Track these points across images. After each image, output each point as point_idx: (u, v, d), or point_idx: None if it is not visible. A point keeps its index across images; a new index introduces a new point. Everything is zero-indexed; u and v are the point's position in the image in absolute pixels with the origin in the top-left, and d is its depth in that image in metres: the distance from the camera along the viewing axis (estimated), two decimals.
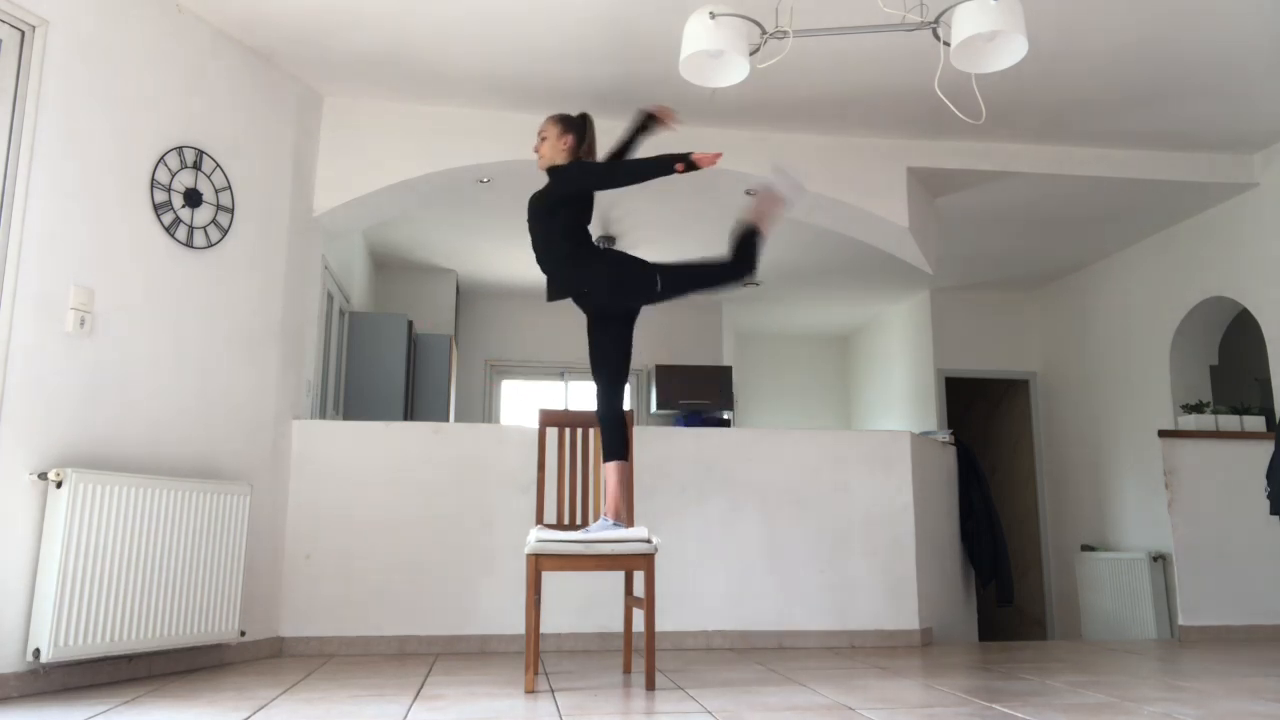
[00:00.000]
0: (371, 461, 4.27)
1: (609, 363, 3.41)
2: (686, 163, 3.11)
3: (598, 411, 3.40)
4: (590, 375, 3.76)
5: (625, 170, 3.34)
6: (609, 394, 3.40)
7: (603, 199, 5.99)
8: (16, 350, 3.06)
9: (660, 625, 4.24)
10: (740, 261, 3.40)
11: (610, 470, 3.32)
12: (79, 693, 3.01)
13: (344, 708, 2.74)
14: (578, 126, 3.45)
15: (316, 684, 3.21)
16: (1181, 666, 3.72)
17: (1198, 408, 5.71)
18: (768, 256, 7.19)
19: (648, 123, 3.56)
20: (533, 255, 3.53)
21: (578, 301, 3.43)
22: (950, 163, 5.10)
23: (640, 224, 6.48)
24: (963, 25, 2.81)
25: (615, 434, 3.35)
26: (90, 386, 3.28)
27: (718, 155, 3.13)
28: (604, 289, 3.37)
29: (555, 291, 3.43)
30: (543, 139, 3.46)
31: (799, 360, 9.85)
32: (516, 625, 4.20)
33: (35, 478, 3.05)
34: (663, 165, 3.16)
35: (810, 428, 5.67)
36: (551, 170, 3.44)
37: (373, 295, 7.26)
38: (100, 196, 3.37)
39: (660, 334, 8.52)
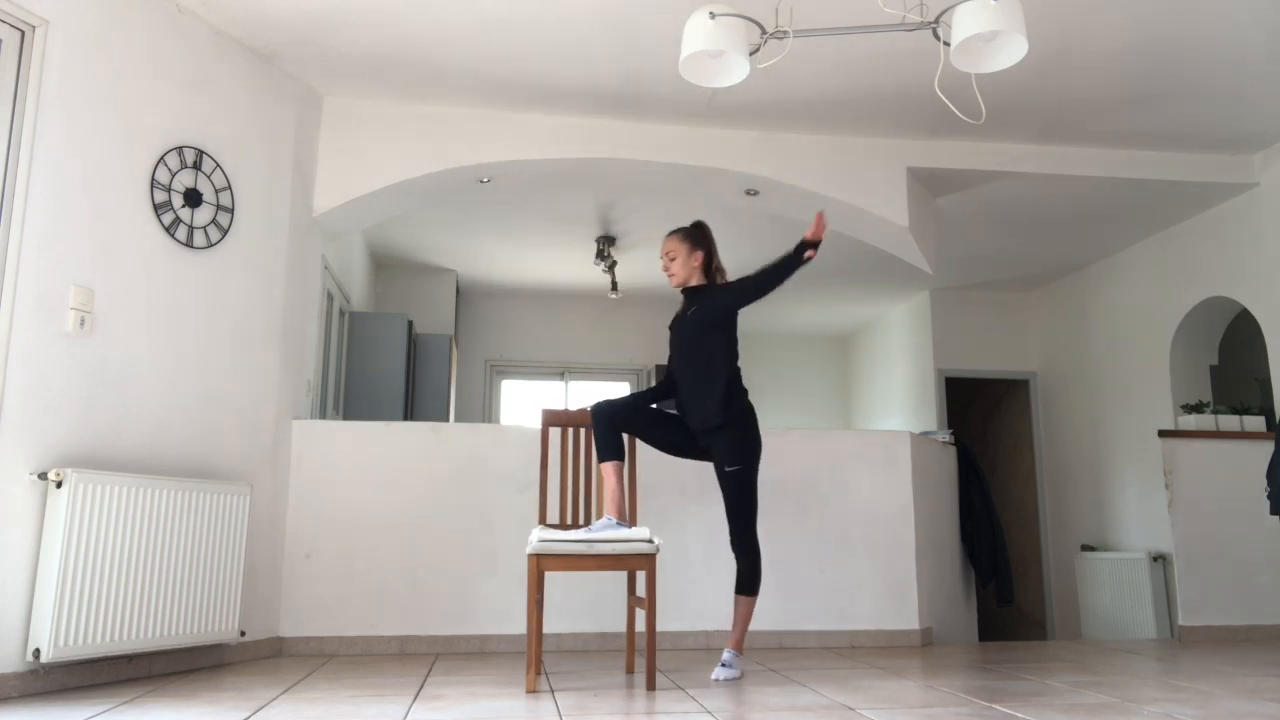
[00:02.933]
0: (371, 461, 4.26)
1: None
2: (811, 246, 3.35)
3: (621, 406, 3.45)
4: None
5: (766, 281, 3.42)
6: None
7: (601, 200, 6.01)
8: (16, 350, 3.06)
9: (661, 625, 4.24)
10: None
11: (605, 470, 3.34)
12: (79, 693, 3.01)
13: (344, 708, 2.73)
14: (704, 241, 3.56)
15: (316, 684, 3.21)
16: (1181, 666, 3.72)
17: (1198, 408, 5.71)
18: (768, 257, 7.16)
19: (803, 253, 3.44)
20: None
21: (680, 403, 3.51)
22: (950, 163, 5.10)
23: (639, 224, 6.49)
24: (963, 25, 2.80)
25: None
26: (90, 386, 3.28)
27: (820, 217, 3.35)
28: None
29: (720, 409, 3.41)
30: (671, 258, 3.54)
31: (799, 360, 9.84)
32: (516, 625, 4.20)
33: (35, 478, 3.05)
34: (792, 263, 3.37)
35: (810, 428, 5.67)
36: (695, 291, 3.52)
37: (373, 295, 7.25)
38: (100, 196, 3.37)
39: (660, 334, 8.51)
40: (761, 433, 3.47)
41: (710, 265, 3.57)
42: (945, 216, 5.90)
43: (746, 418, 3.43)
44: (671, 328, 3.60)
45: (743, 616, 3.38)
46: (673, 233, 3.60)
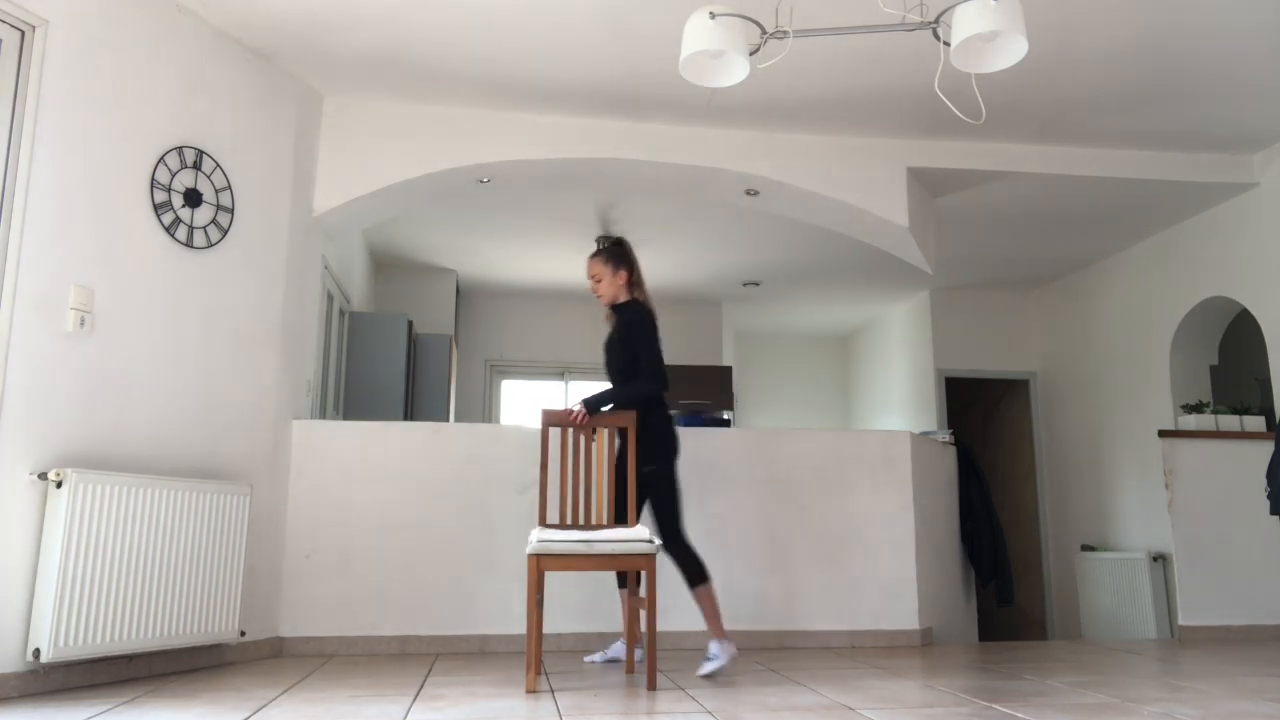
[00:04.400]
0: (371, 461, 4.26)
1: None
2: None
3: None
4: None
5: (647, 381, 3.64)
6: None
7: (601, 201, 6.01)
8: (16, 350, 3.06)
9: (661, 625, 4.24)
10: None
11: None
12: (79, 693, 3.01)
13: (344, 708, 2.74)
14: (626, 260, 3.76)
15: (316, 684, 3.21)
16: (1181, 666, 3.72)
17: (1198, 408, 5.71)
18: (768, 256, 7.20)
19: None
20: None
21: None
22: (950, 163, 5.10)
23: (639, 224, 6.48)
24: (963, 25, 2.80)
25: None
26: (90, 386, 3.28)
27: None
28: None
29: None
30: (597, 280, 3.74)
31: (799, 360, 9.84)
32: (516, 625, 4.20)
33: (35, 478, 3.05)
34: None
35: (810, 428, 5.67)
36: (623, 307, 3.72)
37: (373, 295, 7.25)
38: (100, 196, 3.37)
39: (660, 334, 8.52)
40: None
41: (634, 280, 3.77)
42: (945, 216, 5.90)
43: (661, 424, 3.62)
44: (606, 341, 3.83)
45: (708, 607, 3.47)
46: (595, 255, 3.79)
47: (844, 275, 7.68)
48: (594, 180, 5.20)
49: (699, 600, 3.47)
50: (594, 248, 7.14)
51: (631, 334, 3.66)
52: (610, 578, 4.25)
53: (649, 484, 3.55)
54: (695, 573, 3.47)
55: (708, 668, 3.33)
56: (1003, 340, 7.95)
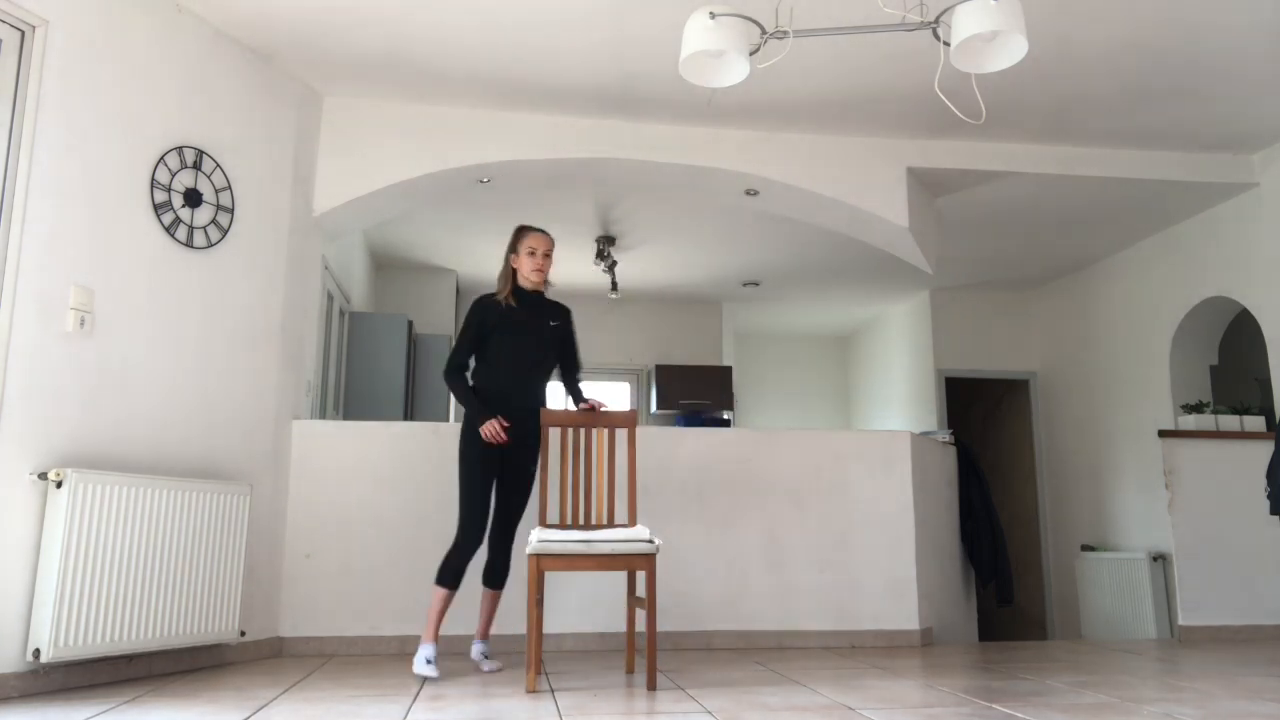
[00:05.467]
0: (372, 461, 4.26)
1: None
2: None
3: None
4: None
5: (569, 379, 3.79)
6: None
7: (601, 200, 6.01)
8: (16, 350, 3.06)
9: (660, 625, 4.24)
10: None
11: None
12: (79, 693, 3.01)
13: (344, 708, 2.74)
14: None
15: (316, 684, 3.21)
16: (1181, 666, 3.72)
17: (1198, 408, 5.71)
18: (768, 256, 7.19)
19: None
20: None
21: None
22: (950, 163, 5.10)
23: (639, 224, 6.48)
24: (963, 25, 2.80)
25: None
26: (90, 387, 3.28)
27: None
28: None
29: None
30: (548, 258, 3.73)
31: (799, 360, 9.84)
32: (517, 625, 4.19)
33: (35, 478, 3.05)
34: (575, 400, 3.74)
35: (810, 428, 5.67)
36: (543, 302, 3.74)
37: (373, 295, 7.25)
38: (100, 196, 3.37)
39: (660, 334, 8.52)
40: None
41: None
42: (945, 216, 5.90)
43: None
44: (514, 322, 3.69)
45: (494, 610, 3.68)
46: (549, 236, 3.77)
47: (844, 275, 7.68)
48: (594, 180, 5.20)
49: (494, 601, 3.64)
50: (594, 247, 7.14)
51: (572, 332, 3.77)
52: (610, 578, 4.25)
53: (529, 482, 3.65)
54: (503, 577, 3.64)
55: (489, 665, 3.55)
56: (1003, 340, 7.95)
